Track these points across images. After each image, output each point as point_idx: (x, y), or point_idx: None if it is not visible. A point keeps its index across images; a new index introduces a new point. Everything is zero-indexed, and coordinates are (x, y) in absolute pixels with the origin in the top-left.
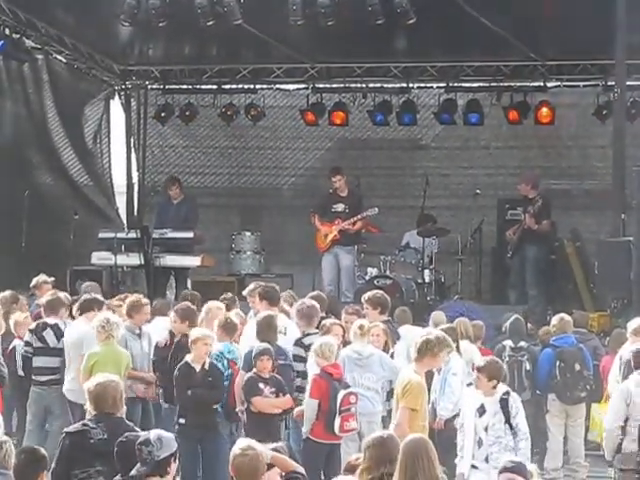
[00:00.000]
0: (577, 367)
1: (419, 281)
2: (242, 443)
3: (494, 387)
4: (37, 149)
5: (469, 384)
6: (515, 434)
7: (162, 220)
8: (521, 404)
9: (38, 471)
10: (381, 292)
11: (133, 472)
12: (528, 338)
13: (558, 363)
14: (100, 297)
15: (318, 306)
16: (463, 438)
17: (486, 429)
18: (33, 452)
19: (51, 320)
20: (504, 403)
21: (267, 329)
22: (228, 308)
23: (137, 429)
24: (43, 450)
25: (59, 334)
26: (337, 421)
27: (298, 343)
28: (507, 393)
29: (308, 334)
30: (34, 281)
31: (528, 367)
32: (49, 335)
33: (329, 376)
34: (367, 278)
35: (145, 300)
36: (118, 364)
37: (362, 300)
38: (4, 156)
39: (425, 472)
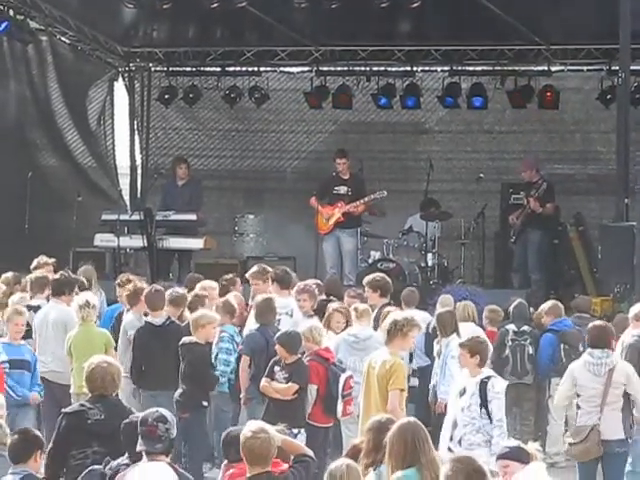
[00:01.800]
0: (581, 348)
1: (422, 265)
2: (253, 426)
3: (479, 365)
4: (41, 130)
5: None
6: (490, 420)
7: (167, 202)
8: (502, 391)
9: (32, 450)
10: (382, 275)
11: (145, 448)
12: (531, 322)
13: (562, 346)
14: (75, 277)
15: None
16: None
17: (462, 410)
18: (25, 432)
19: (34, 302)
20: (483, 386)
21: (266, 311)
22: (226, 289)
23: (134, 410)
24: (37, 431)
25: None
26: (340, 405)
27: None
28: (488, 377)
29: (310, 316)
30: (35, 262)
31: (531, 351)
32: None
33: (325, 360)
34: (370, 262)
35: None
36: (92, 344)
37: (363, 283)
38: (7, 137)
39: (427, 454)
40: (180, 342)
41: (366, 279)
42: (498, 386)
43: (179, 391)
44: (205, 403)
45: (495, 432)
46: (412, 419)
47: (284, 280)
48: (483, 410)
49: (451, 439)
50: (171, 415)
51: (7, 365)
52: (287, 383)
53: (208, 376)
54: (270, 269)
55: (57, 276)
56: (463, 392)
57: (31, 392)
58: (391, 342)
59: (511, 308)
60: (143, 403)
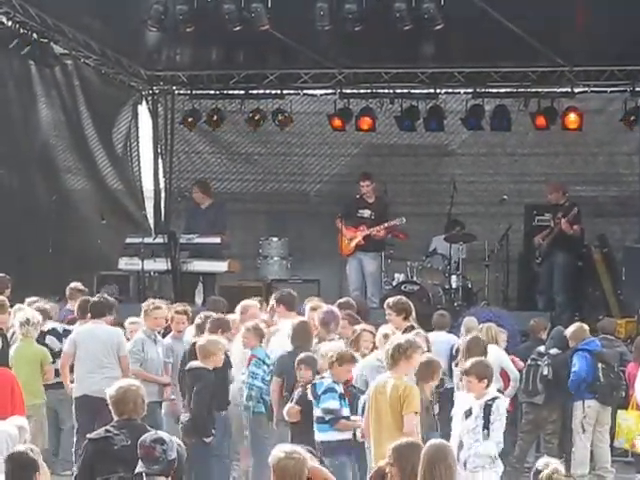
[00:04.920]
0: (616, 368)
1: (446, 287)
2: (287, 447)
3: (485, 388)
4: (69, 153)
5: (498, 390)
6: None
7: (190, 225)
8: (505, 413)
9: (30, 473)
10: (405, 298)
11: (144, 469)
12: (566, 348)
13: (600, 365)
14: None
15: (337, 312)
16: None
17: (468, 432)
18: (20, 457)
19: (48, 325)
20: (487, 409)
21: (302, 334)
22: None
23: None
24: (31, 453)
25: (59, 337)
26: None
27: None
28: (493, 399)
29: (330, 340)
30: (68, 291)
31: (545, 372)
32: (51, 340)
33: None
34: (394, 284)
35: (158, 304)
36: (29, 360)
37: (385, 306)
38: (36, 160)
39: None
40: (187, 367)
41: (390, 301)
42: (502, 408)
43: (187, 416)
44: (213, 430)
45: (486, 447)
46: (438, 441)
47: (290, 302)
48: (485, 432)
49: (457, 461)
50: (170, 437)
51: None
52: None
53: (214, 402)
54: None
55: (96, 299)
56: (469, 413)
57: None
58: (396, 366)
59: (553, 331)
60: None
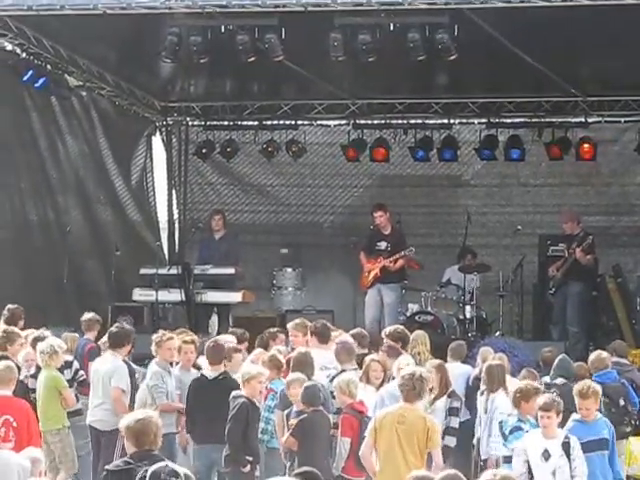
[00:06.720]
0: (622, 402)
1: (460, 317)
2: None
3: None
4: (94, 184)
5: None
6: (573, 477)
7: (204, 256)
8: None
9: None
10: (402, 327)
11: None
12: (571, 377)
13: (603, 399)
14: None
15: (352, 342)
16: None
17: (554, 473)
18: None
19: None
20: (566, 446)
21: (299, 365)
22: (266, 343)
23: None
24: None
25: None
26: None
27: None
28: (567, 437)
29: (344, 370)
30: (84, 323)
31: None
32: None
33: (359, 414)
34: (408, 314)
35: (170, 335)
36: (45, 386)
37: (382, 335)
38: (71, 191)
39: None
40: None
41: (386, 330)
42: (578, 444)
43: (226, 446)
44: (249, 458)
45: None
46: (452, 472)
47: (323, 334)
48: (570, 470)
49: None
50: (182, 470)
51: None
52: (291, 435)
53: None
54: (309, 323)
55: (114, 329)
56: (548, 455)
57: None
58: (420, 397)
59: (555, 362)
60: (195, 456)
